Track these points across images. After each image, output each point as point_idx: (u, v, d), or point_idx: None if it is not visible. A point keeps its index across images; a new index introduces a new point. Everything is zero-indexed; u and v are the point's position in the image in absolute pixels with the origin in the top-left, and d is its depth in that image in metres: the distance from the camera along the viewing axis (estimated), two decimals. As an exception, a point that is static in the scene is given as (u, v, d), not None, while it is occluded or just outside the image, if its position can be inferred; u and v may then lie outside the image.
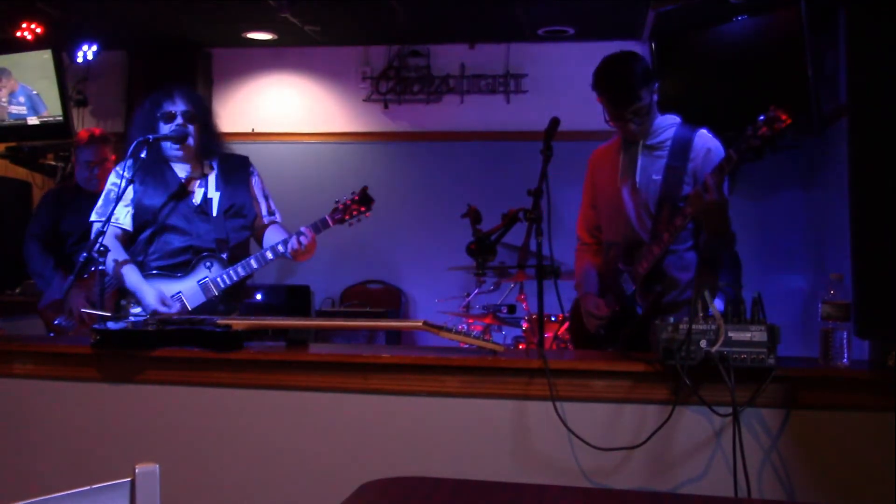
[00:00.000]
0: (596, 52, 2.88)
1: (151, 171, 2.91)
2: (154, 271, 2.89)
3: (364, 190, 2.99)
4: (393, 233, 5.65)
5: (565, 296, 2.63)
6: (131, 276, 2.84)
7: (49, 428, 2.45)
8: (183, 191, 2.94)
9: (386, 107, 5.84)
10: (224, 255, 2.92)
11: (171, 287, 2.88)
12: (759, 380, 2.04)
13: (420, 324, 2.30)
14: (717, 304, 2.12)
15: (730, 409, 2.02)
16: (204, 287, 2.90)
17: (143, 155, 2.79)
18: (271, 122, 5.95)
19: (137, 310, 2.80)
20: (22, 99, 5.34)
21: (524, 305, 4.83)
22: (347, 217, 2.96)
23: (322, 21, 5.28)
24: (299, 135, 5.94)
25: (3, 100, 5.36)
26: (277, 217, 3.11)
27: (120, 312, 2.85)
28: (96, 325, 2.43)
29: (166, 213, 2.90)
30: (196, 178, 2.99)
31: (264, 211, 3.09)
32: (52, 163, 5.72)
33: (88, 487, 1.06)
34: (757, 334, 2.03)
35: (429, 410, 2.24)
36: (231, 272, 2.90)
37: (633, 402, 2.15)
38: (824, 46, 4.29)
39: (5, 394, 2.49)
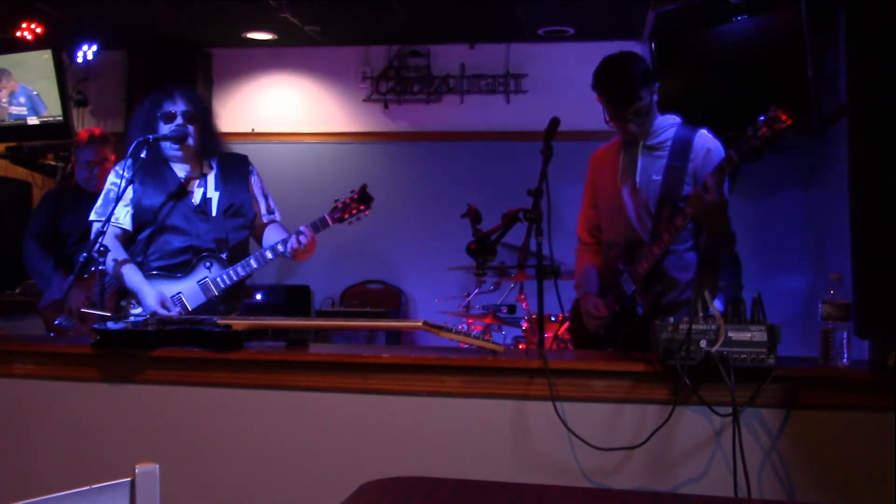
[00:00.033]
0: (596, 52, 2.88)
1: (151, 170, 2.90)
2: (154, 271, 2.89)
3: (363, 188, 2.98)
4: (393, 233, 5.65)
5: (565, 296, 2.63)
6: (131, 275, 2.84)
7: (49, 428, 2.45)
8: (182, 191, 2.94)
9: (386, 107, 5.84)
10: (224, 255, 2.92)
11: (170, 287, 2.87)
12: (759, 380, 2.04)
13: (420, 324, 2.30)
14: (717, 305, 2.12)
15: (730, 409, 2.02)
16: (204, 287, 2.90)
17: (142, 155, 2.78)
18: (271, 122, 5.95)
19: (138, 310, 2.80)
20: (22, 99, 5.33)
21: (524, 305, 4.83)
22: (347, 216, 2.95)
23: (322, 21, 5.28)
24: (299, 135, 5.94)
25: (4, 100, 5.35)
26: (277, 216, 3.11)
27: (120, 312, 2.85)
28: (96, 325, 2.43)
29: (166, 213, 2.90)
30: (195, 178, 2.98)
31: (264, 210, 3.08)
32: (52, 163, 5.72)
33: (88, 487, 1.06)
34: (757, 334, 2.03)
35: (429, 410, 2.24)
36: (231, 272, 2.90)
37: (633, 402, 2.15)
38: (824, 46, 4.28)
39: (5, 394, 2.49)
